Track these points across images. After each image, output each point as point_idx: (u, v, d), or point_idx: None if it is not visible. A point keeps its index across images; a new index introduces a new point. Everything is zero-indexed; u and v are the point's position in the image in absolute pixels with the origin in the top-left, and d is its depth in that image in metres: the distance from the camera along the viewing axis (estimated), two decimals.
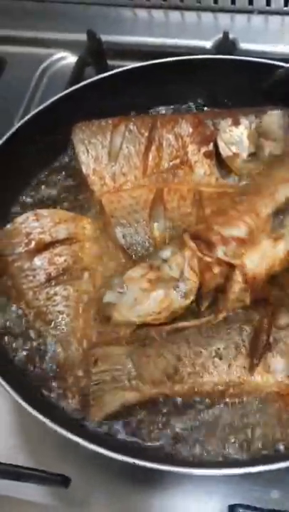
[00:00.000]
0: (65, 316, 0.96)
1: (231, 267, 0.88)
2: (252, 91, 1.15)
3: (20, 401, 0.82)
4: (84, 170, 1.09)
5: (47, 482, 0.89)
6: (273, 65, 1.16)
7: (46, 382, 0.93)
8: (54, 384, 0.92)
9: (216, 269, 0.89)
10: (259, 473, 0.83)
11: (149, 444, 0.86)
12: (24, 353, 0.96)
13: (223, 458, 0.84)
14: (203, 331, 0.89)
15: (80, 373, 0.92)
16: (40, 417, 0.81)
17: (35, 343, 0.96)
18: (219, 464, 0.83)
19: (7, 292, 1.00)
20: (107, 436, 0.87)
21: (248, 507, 0.83)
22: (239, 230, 0.90)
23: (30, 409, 0.81)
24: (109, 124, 1.11)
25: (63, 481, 0.87)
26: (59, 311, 0.96)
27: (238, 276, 0.88)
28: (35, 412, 0.81)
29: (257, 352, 0.86)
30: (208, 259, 0.88)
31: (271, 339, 0.87)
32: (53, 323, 0.96)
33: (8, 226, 1.03)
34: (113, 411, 0.86)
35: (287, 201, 0.92)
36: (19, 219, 1.02)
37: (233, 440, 0.85)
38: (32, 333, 0.97)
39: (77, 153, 1.10)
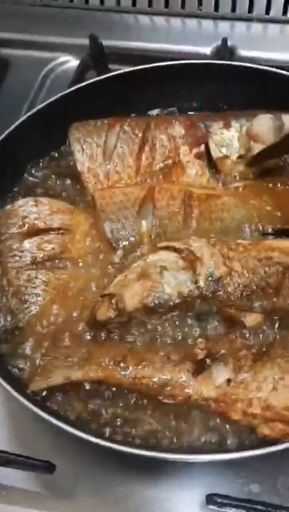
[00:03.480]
0: (40, 298, 0.98)
1: None
2: (246, 95, 1.18)
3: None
4: (79, 168, 1.12)
5: (32, 468, 0.91)
6: (267, 70, 1.19)
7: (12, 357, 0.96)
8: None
9: None
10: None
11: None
12: None
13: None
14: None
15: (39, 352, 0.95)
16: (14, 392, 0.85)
17: (8, 319, 0.99)
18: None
19: None
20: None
21: (225, 496, 0.85)
22: None
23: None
24: (105, 124, 1.14)
25: (48, 467, 0.89)
26: (36, 294, 0.99)
27: None
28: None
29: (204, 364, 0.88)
30: None
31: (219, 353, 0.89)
32: (27, 303, 0.98)
33: (9, 206, 1.07)
34: (55, 384, 0.88)
35: None
36: (20, 202, 1.06)
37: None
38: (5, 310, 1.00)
39: (73, 152, 1.13)
